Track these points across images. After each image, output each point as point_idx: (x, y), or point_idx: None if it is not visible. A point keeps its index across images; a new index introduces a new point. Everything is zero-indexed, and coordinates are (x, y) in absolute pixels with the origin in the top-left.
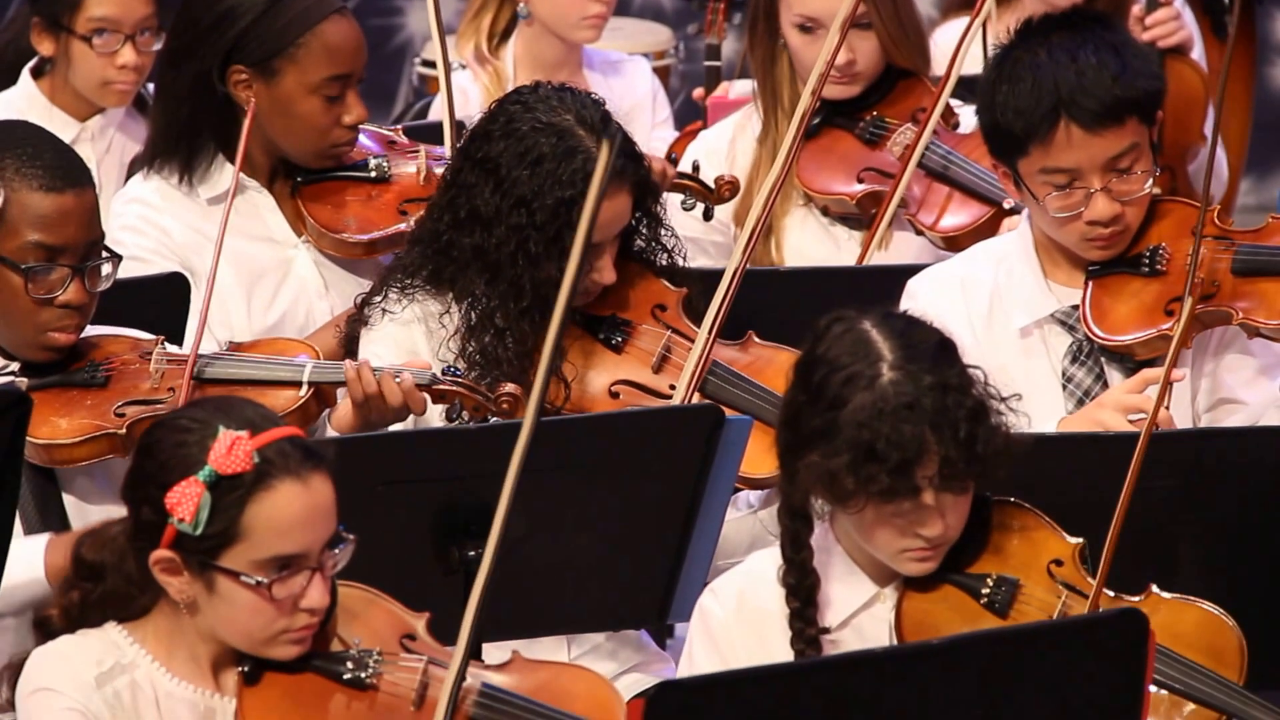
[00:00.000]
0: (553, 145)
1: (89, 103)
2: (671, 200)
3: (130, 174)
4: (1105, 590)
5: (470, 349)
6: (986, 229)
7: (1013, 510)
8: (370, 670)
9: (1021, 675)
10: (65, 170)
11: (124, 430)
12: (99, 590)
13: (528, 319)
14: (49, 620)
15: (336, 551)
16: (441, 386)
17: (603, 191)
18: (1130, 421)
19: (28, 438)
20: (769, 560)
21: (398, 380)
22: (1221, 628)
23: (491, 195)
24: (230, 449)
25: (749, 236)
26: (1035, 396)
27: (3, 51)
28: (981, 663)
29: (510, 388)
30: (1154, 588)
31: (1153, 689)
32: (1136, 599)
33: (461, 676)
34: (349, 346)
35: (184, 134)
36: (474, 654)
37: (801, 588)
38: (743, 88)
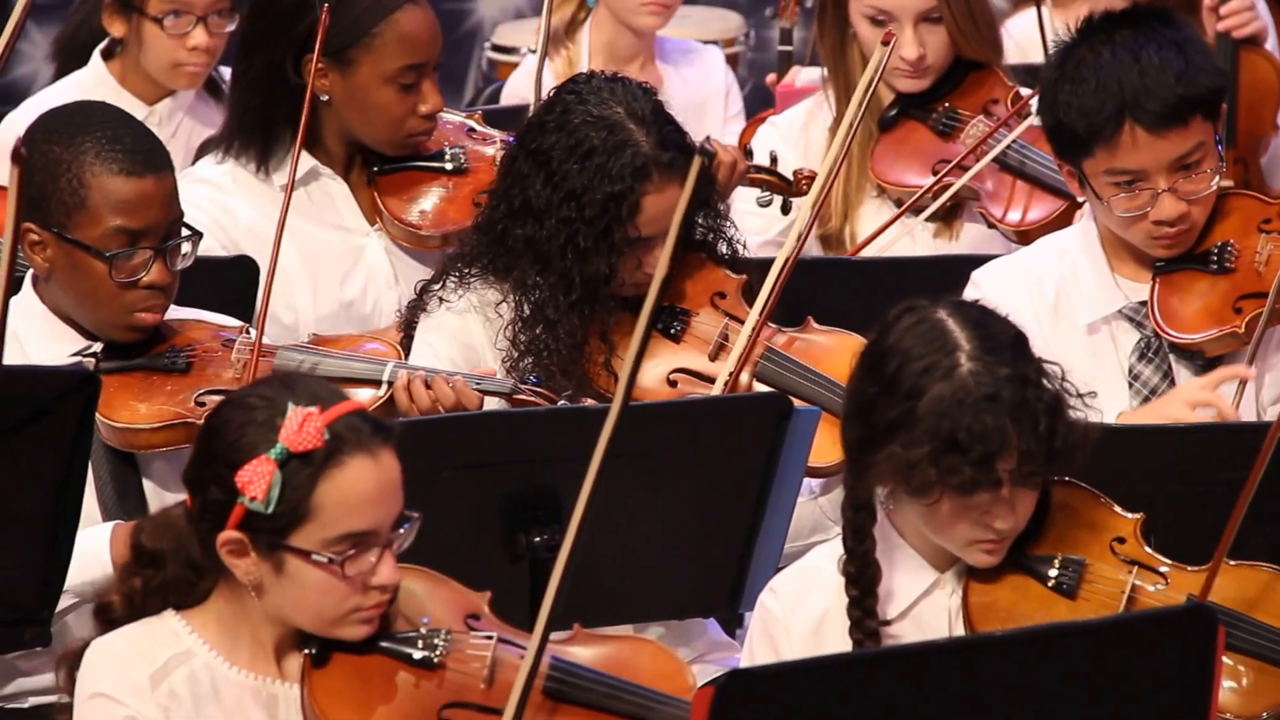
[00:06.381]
0: (603, 139)
1: (159, 85)
2: (746, 195)
3: (198, 157)
4: (1183, 566)
5: (522, 339)
6: (1060, 222)
7: (1068, 489)
8: (439, 649)
9: (1084, 669)
10: (145, 154)
11: (203, 420)
12: (159, 577)
13: (577, 312)
14: (110, 607)
15: (402, 530)
16: (522, 398)
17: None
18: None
19: (106, 420)
20: (826, 556)
21: (449, 384)
22: None
23: (543, 188)
24: (301, 425)
25: (808, 219)
26: (1102, 393)
27: (74, 33)
28: (1044, 656)
29: (588, 403)
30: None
31: (1228, 660)
32: (1203, 568)
33: (538, 661)
34: (408, 331)
35: (260, 123)
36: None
37: (863, 578)
38: (810, 75)
